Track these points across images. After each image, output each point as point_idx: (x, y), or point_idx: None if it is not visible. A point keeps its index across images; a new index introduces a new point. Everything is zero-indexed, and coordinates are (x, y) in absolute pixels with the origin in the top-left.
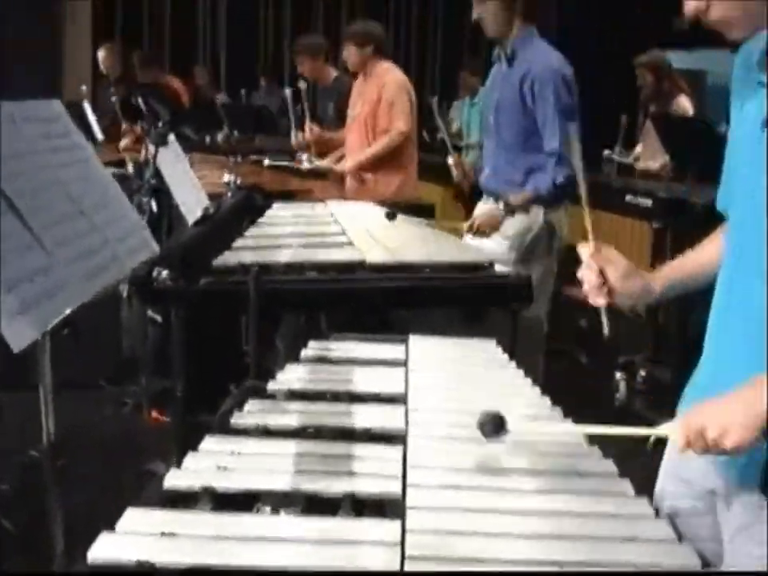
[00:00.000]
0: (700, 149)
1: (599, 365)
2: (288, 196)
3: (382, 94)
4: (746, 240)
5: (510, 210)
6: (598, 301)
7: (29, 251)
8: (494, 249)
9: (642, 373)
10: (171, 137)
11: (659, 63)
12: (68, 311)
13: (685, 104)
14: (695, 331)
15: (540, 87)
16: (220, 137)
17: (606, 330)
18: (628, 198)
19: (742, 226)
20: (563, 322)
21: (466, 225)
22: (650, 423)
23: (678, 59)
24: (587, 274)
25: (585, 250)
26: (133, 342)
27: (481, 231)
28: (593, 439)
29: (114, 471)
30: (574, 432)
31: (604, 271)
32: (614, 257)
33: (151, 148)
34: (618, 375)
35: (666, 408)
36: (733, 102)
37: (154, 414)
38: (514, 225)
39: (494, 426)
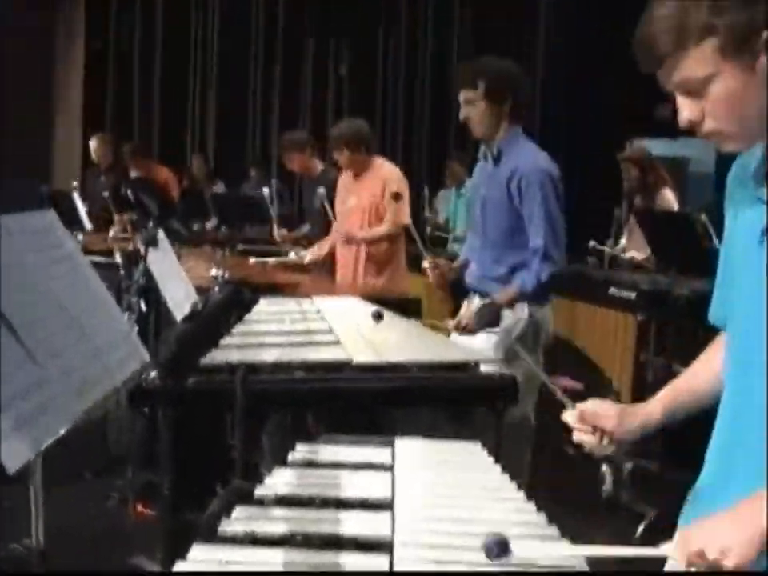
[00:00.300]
0: (683, 243)
1: (586, 456)
2: (275, 290)
3: (385, 188)
4: (750, 355)
5: (498, 308)
6: (605, 451)
7: (22, 366)
8: (482, 345)
9: (629, 465)
10: (161, 233)
11: (644, 156)
12: (62, 431)
13: (669, 197)
14: (680, 424)
15: (527, 185)
16: (208, 226)
17: (607, 485)
18: (612, 290)
19: (745, 339)
20: (549, 413)
21: (452, 323)
22: (638, 515)
23: (660, 147)
24: (584, 439)
25: (570, 418)
26: (119, 435)
27: (468, 330)
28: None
29: (100, 566)
30: (572, 553)
31: (598, 427)
32: (601, 409)
33: (141, 248)
34: (605, 467)
35: (652, 500)
36: (727, 209)
37: (140, 508)
38: (500, 321)
39: (498, 549)
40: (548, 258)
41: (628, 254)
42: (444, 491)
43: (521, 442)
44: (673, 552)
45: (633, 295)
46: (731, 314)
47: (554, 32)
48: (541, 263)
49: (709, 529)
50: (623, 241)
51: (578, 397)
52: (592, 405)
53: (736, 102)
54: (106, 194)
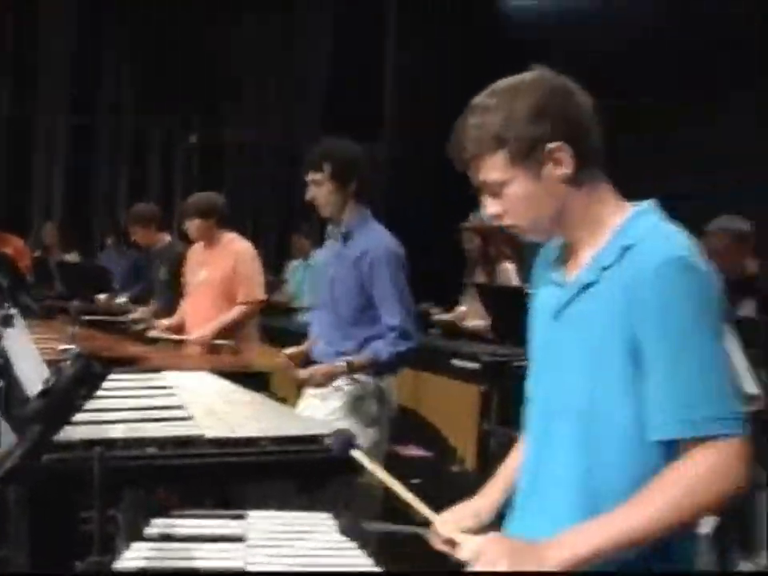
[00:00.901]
0: (519, 316)
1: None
2: (127, 362)
3: (236, 264)
4: (549, 424)
5: (351, 370)
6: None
7: None
8: (327, 418)
9: None
10: (15, 312)
11: (485, 226)
12: None
13: (509, 269)
14: None
15: (378, 265)
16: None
17: None
18: (454, 361)
19: (545, 407)
20: (397, 480)
21: (304, 372)
22: None
23: None
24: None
25: (441, 527)
26: None
27: (318, 383)
28: None
29: None
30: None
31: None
32: (461, 515)
33: None
34: None
35: None
36: (531, 288)
37: None
38: (345, 394)
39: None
40: (406, 336)
41: (470, 324)
42: (294, 561)
43: (370, 510)
44: (468, 544)
45: (475, 366)
46: (532, 382)
47: (399, 104)
48: (397, 339)
49: (512, 547)
50: (462, 308)
51: (426, 465)
52: (452, 514)
53: (528, 203)
54: None
